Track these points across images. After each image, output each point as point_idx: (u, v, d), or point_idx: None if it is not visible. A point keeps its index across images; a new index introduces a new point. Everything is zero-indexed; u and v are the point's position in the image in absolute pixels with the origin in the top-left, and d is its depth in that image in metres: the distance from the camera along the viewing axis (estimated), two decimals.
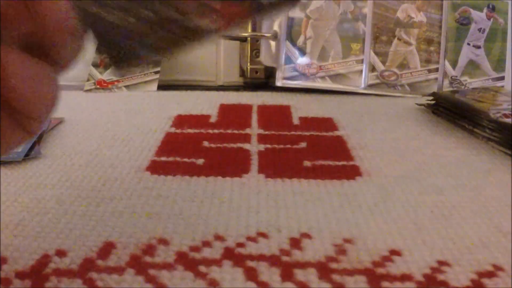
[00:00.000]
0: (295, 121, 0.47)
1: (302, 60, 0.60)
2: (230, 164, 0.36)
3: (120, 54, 0.18)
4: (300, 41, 0.60)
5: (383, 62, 0.62)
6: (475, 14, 0.63)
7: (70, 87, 0.58)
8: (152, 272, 0.22)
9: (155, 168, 0.35)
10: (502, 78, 0.63)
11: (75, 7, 0.18)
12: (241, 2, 0.18)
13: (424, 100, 0.53)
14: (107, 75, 0.61)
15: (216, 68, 0.64)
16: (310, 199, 0.30)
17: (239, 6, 0.18)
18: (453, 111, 0.47)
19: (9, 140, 0.20)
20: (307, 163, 0.36)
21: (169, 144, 0.40)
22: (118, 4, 0.18)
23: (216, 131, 0.43)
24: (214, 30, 0.18)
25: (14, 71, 0.17)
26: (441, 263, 0.24)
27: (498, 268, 0.23)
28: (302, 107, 0.52)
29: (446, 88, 0.62)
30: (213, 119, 0.47)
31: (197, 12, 0.18)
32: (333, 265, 0.23)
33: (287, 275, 0.22)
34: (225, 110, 0.51)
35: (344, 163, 0.36)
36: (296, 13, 0.60)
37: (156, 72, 0.61)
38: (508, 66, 0.63)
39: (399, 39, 0.62)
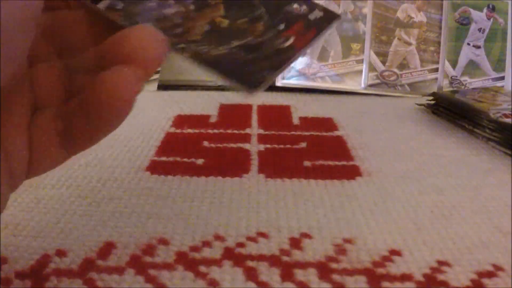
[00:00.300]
0: (295, 121, 0.47)
1: (302, 60, 0.60)
2: (230, 164, 0.36)
3: (255, 83, 0.19)
4: None
5: (383, 62, 0.62)
6: (475, 14, 0.63)
7: None
8: (152, 272, 0.22)
9: (155, 168, 0.35)
10: (502, 78, 0.63)
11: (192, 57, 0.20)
12: (301, 24, 0.21)
13: (424, 100, 0.53)
14: None
15: None
16: (310, 199, 0.30)
17: (300, 26, 0.21)
18: (453, 111, 0.47)
19: (50, 158, 0.20)
20: (307, 163, 0.36)
21: (169, 144, 0.40)
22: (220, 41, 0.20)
23: (216, 131, 0.43)
24: (295, 48, 0.21)
25: (127, 90, 0.18)
26: (441, 263, 0.24)
27: (498, 268, 0.23)
28: (302, 107, 0.52)
29: (446, 88, 0.62)
30: (213, 119, 0.47)
31: (277, 37, 0.21)
32: (333, 265, 0.23)
33: (287, 275, 0.22)
34: (225, 110, 0.51)
35: (344, 163, 0.36)
36: None
37: (156, 72, 0.61)
38: (508, 66, 0.63)
39: (399, 39, 0.62)
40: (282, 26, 0.21)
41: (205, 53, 0.20)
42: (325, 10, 0.22)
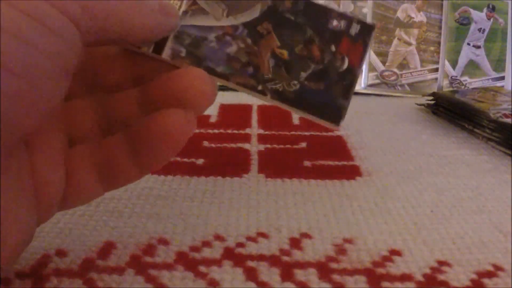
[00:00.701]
0: (295, 121, 0.47)
1: None
2: (230, 164, 0.36)
3: (337, 116, 0.23)
4: None
5: (383, 62, 0.62)
6: (475, 14, 0.63)
7: None
8: (152, 272, 0.22)
9: None
10: (502, 78, 0.64)
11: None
12: (347, 41, 0.22)
13: (424, 100, 0.53)
14: None
15: None
16: (310, 199, 0.30)
17: (347, 43, 0.22)
18: (453, 111, 0.47)
19: (84, 193, 0.20)
20: (307, 163, 0.36)
21: None
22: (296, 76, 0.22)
23: (216, 131, 0.43)
24: (353, 69, 0.22)
25: (180, 130, 0.18)
26: (441, 263, 0.24)
27: (498, 268, 0.23)
28: None
29: (446, 88, 0.62)
30: (213, 119, 0.47)
31: (335, 60, 0.22)
32: (333, 265, 0.23)
33: (287, 275, 0.22)
34: (225, 110, 0.51)
35: (344, 163, 0.36)
36: None
37: None
38: (508, 66, 0.63)
39: (399, 39, 0.62)
40: (333, 47, 0.22)
41: (284, 91, 0.21)
42: (361, 22, 0.22)
